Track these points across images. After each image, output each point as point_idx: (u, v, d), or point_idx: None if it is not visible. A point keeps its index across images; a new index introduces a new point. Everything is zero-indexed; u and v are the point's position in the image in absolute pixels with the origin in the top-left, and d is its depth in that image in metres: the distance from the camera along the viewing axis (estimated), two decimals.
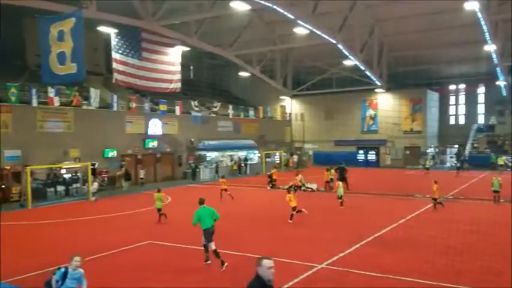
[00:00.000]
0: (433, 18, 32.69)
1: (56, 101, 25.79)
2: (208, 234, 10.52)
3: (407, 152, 42.91)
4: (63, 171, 24.93)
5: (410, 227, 14.86)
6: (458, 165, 35.70)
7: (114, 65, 26.99)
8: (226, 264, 10.22)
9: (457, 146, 42.98)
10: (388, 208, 18.84)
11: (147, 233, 14.29)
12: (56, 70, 17.88)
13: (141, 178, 29.25)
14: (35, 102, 24.76)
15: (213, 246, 10.40)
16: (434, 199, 18.28)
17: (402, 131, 43.19)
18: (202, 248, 10.71)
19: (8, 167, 22.56)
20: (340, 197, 18.92)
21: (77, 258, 7.23)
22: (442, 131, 45.84)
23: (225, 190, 21.75)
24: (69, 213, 18.89)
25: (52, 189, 23.76)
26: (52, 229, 15.80)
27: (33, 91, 24.73)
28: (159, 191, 16.94)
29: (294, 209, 15.65)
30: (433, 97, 44.63)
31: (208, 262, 10.64)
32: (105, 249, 12.27)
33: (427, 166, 35.66)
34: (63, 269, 7.12)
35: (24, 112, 24.04)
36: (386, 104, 43.90)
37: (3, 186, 22.11)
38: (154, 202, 16.64)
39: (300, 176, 25.02)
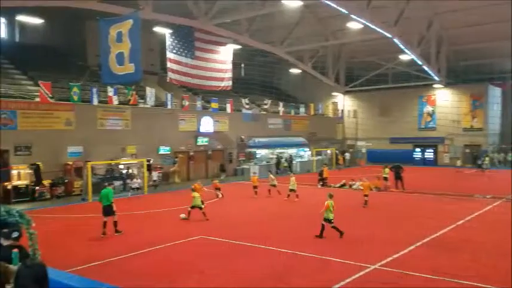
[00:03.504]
0: (496, 9, 30.85)
1: (115, 100, 26.91)
2: (105, 210, 14.08)
3: (467, 151, 40.93)
4: (120, 166, 25.99)
5: (470, 228, 14.16)
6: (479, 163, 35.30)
7: (169, 65, 27.72)
8: (121, 232, 13.94)
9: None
10: (445, 208, 18.06)
11: (198, 228, 14.58)
12: (115, 70, 18.52)
13: (154, 180, 26.30)
14: (95, 101, 25.97)
15: (111, 219, 14.09)
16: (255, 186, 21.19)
17: (462, 128, 41.24)
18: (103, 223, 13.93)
19: (71, 163, 23.87)
20: (292, 190, 20.85)
21: None
22: (504, 129, 43.26)
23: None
24: (126, 207, 19.64)
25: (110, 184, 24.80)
26: (111, 222, 16.48)
27: (94, 90, 25.96)
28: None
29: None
30: (495, 93, 42.16)
31: (102, 235, 13.72)
32: (158, 243, 12.66)
33: (458, 165, 34.39)
34: None
35: (85, 110, 25.30)
36: (445, 100, 42.05)
37: (66, 180, 23.42)
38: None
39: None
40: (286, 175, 28.38)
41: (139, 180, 24.36)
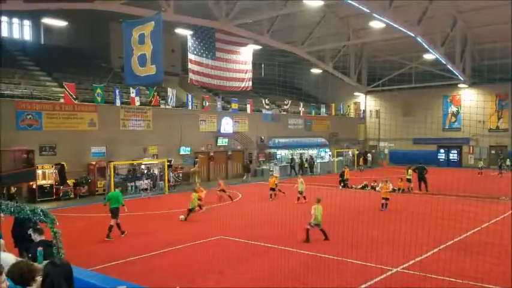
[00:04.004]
0: None
1: (137, 101, 27.28)
2: (114, 212, 13.92)
3: (493, 152, 39.95)
4: (142, 167, 26.31)
5: (495, 231, 13.77)
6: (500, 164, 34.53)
7: (190, 66, 27.87)
8: (125, 232, 13.81)
9: None
10: (470, 211, 17.57)
11: (218, 228, 14.61)
12: (137, 72, 18.73)
13: (169, 181, 26.30)
14: (118, 102, 26.37)
15: (116, 221, 13.84)
16: (273, 189, 21.63)
17: (487, 128, 40.26)
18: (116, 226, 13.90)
19: (94, 163, 24.29)
20: (300, 192, 20.49)
21: None
22: None
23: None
24: (148, 206, 19.89)
25: (132, 183, 25.16)
26: (132, 221, 16.68)
27: (117, 91, 26.36)
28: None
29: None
30: None
31: (122, 234, 13.84)
32: (178, 243, 12.78)
33: (479, 166, 34.36)
34: None
35: (108, 111, 25.72)
36: (470, 100, 41.05)
37: (89, 180, 23.83)
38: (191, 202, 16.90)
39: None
40: (306, 176, 28.29)
41: (146, 181, 24.52)
